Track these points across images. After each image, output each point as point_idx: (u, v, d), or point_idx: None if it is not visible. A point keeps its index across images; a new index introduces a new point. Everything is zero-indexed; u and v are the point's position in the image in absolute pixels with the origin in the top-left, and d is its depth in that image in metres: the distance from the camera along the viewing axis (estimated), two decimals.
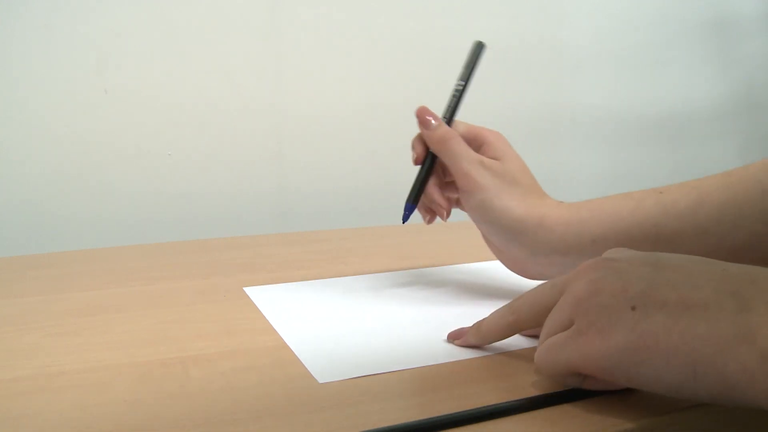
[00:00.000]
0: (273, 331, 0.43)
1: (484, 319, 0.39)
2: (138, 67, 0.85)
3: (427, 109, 0.52)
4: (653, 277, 0.29)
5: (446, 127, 0.51)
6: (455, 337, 0.40)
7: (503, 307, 0.38)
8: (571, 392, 0.32)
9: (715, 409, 0.31)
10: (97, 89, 0.83)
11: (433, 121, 0.51)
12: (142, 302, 0.50)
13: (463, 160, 0.49)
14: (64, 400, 0.32)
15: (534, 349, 0.34)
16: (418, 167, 0.53)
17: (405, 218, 0.52)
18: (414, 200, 0.52)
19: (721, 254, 0.38)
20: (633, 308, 0.29)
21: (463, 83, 0.53)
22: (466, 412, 0.30)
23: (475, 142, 0.51)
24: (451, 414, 0.30)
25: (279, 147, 0.93)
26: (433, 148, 0.51)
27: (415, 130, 0.53)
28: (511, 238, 0.47)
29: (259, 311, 0.48)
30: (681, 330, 0.27)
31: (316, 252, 0.69)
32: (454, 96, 0.54)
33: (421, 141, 0.52)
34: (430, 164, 0.52)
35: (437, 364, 0.37)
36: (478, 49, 0.54)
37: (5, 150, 0.80)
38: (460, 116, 0.54)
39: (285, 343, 0.41)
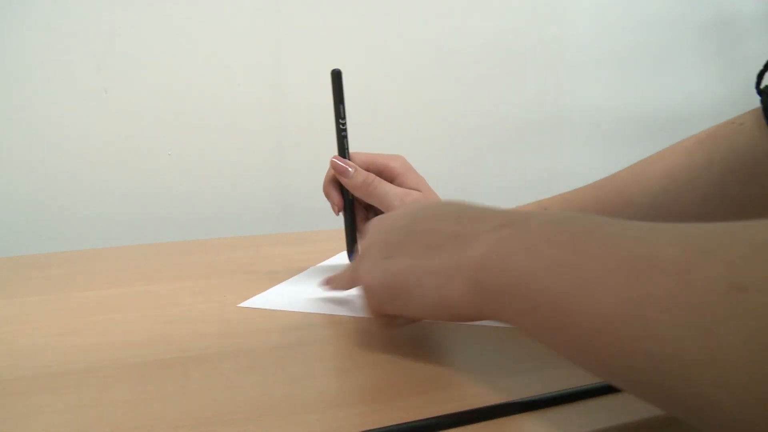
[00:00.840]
0: (273, 331, 0.43)
1: (341, 273, 0.46)
2: (138, 67, 0.85)
3: (339, 157, 0.54)
4: (408, 230, 0.37)
5: (364, 171, 0.53)
6: (326, 283, 0.47)
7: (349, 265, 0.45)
8: (571, 393, 0.32)
9: None
10: (97, 89, 0.84)
11: (350, 169, 0.53)
12: (142, 302, 0.50)
13: (393, 199, 0.52)
14: (64, 400, 0.32)
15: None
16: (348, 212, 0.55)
17: None
18: (353, 249, 0.55)
19: None
20: (388, 257, 0.36)
21: (344, 120, 0.54)
22: (466, 412, 0.30)
23: (385, 174, 0.54)
24: (451, 414, 0.30)
25: (279, 147, 0.93)
26: (357, 194, 0.54)
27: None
28: None
29: (259, 311, 0.48)
30: (419, 268, 0.34)
31: (316, 252, 0.69)
32: (342, 136, 0.54)
33: (335, 188, 0.55)
34: (352, 209, 0.55)
35: (437, 365, 0.37)
36: (338, 78, 0.54)
37: (5, 150, 0.80)
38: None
39: (285, 342, 0.41)
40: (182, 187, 0.89)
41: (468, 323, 0.43)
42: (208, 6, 0.87)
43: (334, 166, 0.54)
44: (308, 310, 0.48)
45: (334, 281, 0.47)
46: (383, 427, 0.29)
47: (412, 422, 0.29)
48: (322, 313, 0.48)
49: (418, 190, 0.53)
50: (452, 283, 0.32)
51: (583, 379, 0.33)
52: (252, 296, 0.52)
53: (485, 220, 0.33)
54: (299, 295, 0.52)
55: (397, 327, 0.40)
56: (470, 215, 0.35)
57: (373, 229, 0.41)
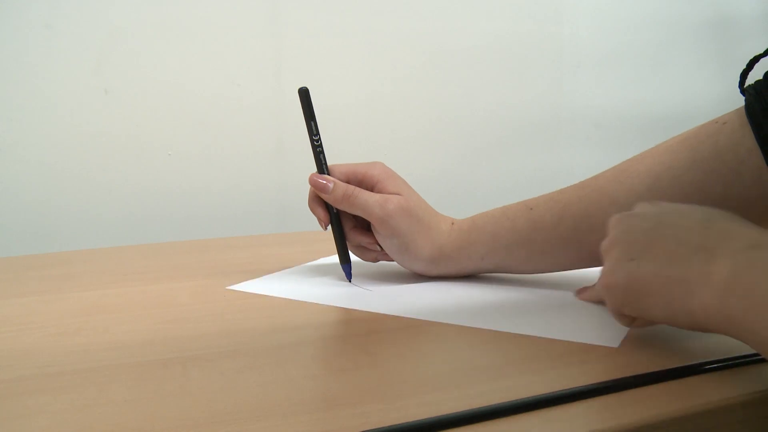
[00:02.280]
0: (273, 331, 0.43)
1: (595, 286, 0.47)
2: (138, 67, 0.85)
3: (316, 174, 0.55)
4: (654, 234, 0.37)
5: (343, 184, 0.54)
6: (580, 292, 0.49)
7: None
8: (571, 392, 0.32)
9: (714, 410, 0.31)
10: (97, 89, 0.84)
11: (329, 184, 0.54)
12: (142, 302, 0.50)
13: (373, 207, 0.53)
14: (64, 400, 0.32)
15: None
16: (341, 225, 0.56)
17: (349, 277, 0.56)
18: (345, 260, 0.56)
19: (584, 259, 0.52)
20: (631, 260, 0.37)
21: (317, 137, 0.55)
22: (466, 412, 0.30)
23: (366, 182, 0.55)
24: (451, 414, 0.30)
25: (279, 147, 0.93)
26: (340, 207, 0.55)
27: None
28: (421, 268, 0.56)
29: (259, 311, 0.48)
30: (663, 277, 0.35)
31: (315, 252, 0.69)
32: (318, 152, 0.55)
33: (320, 204, 0.56)
34: (339, 221, 0.56)
35: (437, 365, 0.37)
36: (305, 95, 0.55)
37: (5, 150, 0.80)
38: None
39: (285, 342, 0.41)
40: (182, 187, 0.89)
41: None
42: (208, 6, 0.87)
43: (313, 183, 0.54)
44: (294, 297, 0.51)
45: (586, 294, 0.49)
46: (383, 427, 0.29)
47: (412, 422, 0.29)
48: (307, 301, 0.50)
49: (398, 194, 0.54)
50: (697, 297, 0.33)
51: (583, 379, 0.33)
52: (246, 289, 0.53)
53: (735, 237, 0.33)
54: (289, 284, 0.55)
55: (637, 327, 0.40)
56: (719, 228, 0.35)
57: (616, 228, 0.40)
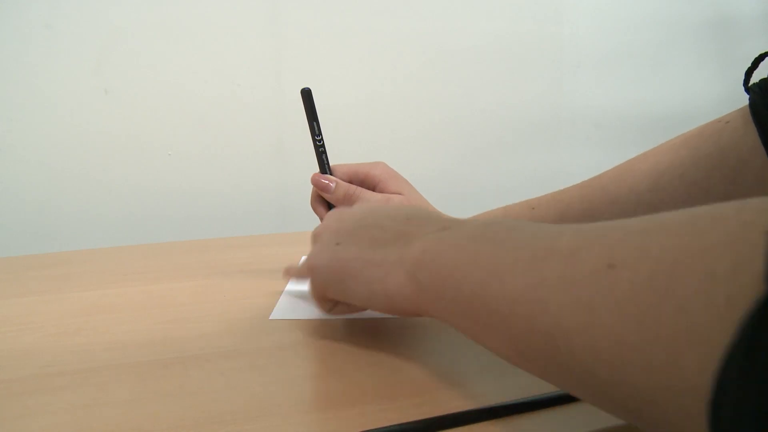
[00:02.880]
0: (273, 331, 0.43)
1: (299, 264, 0.46)
2: (138, 67, 0.85)
3: (319, 174, 0.56)
4: (359, 223, 0.39)
5: (345, 184, 0.55)
6: (286, 272, 0.48)
7: None
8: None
9: None
10: (97, 89, 0.84)
11: (331, 184, 0.55)
12: (142, 302, 0.50)
13: None
14: (64, 400, 0.32)
15: None
16: None
17: None
18: None
19: None
20: (337, 244, 0.39)
21: (319, 137, 0.55)
22: (466, 412, 0.30)
23: (368, 182, 0.56)
24: (451, 414, 0.30)
25: (279, 147, 0.93)
26: (342, 206, 0.54)
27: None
28: None
29: (259, 310, 0.48)
30: (364, 260, 0.36)
31: None
32: (320, 152, 0.56)
33: (322, 204, 0.57)
34: None
35: (437, 365, 0.37)
36: (308, 96, 0.55)
37: (5, 150, 0.80)
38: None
39: (285, 342, 0.41)
40: (182, 187, 0.89)
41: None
42: (208, 6, 0.87)
43: (315, 183, 0.55)
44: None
45: (291, 270, 0.48)
46: (383, 427, 0.29)
47: (412, 422, 0.29)
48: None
49: (399, 194, 0.55)
50: (393, 277, 0.34)
51: None
52: (273, 307, 0.49)
53: (431, 223, 0.35)
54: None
55: (338, 313, 0.42)
56: (419, 218, 0.37)
57: (328, 218, 0.43)
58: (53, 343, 0.41)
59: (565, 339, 0.23)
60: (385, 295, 0.35)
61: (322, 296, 0.40)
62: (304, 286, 0.49)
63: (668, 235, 0.21)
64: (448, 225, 0.34)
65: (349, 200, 0.54)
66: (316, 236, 0.42)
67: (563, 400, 0.32)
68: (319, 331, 0.44)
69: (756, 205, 0.20)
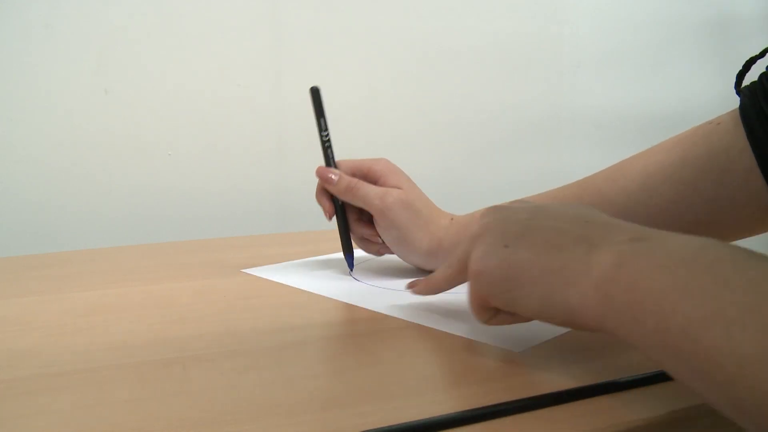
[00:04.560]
0: (273, 331, 0.43)
1: (433, 274, 0.44)
2: (138, 67, 0.85)
3: (324, 167, 0.58)
4: (528, 224, 0.36)
5: (347, 177, 0.57)
6: (411, 286, 0.46)
7: (445, 262, 0.43)
8: (571, 392, 0.32)
9: (714, 410, 0.31)
10: (97, 89, 0.84)
11: (333, 176, 0.57)
12: (142, 302, 0.50)
13: (373, 198, 0.56)
14: (64, 400, 0.32)
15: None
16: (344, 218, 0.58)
17: (351, 266, 0.59)
18: (348, 250, 0.59)
19: None
20: (506, 246, 0.35)
21: (326, 133, 0.58)
22: (466, 412, 0.30)
23: (370, 177, 0.58)
24: (451, 414, 0.30)
25: (279, 147, 0.93)
26: (343, 198, 0.57)
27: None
28: (420, 261, 0.58)
29: (259, 310, 0.48)
30: (540, 265, 0.33)
31: (315, 252, 0.69)
32: (326, 147, 0.58)
33: (325, 196, 0.58)
34: (343, 212, 0.58)
35: (438, 365, 0.37)
36: (317, 94, 0.58)
37: (5, 150, 0.80)
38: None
39: (285, 342, 0.41)
40: (182, 187, 0.89)
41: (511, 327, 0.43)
42: (209, 6, 0.87)
43: (319, 175, 0.57)
44: (299, 287, 0.53)
45: (422, 285, 0.45)
46: (383, 427, 0.29)
47: (412, 422, 0.29)
48: (310, 291, 0.52)
49: (398, 188, 0.56)
50: (577, 287, 0.31)
51: (583, 379, 0.33)
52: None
53: (617, 230, 0.32)
54: (296, 275, 0.58)
55: (496, 324, 0.37)
56: (600, 221, 0.34)
57: (488, 216, 0.38)
58: (53, 343, 0.41)
59: None
60: (565, 308, 0.32)
61: (483, 304, 0.37)
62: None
63: None
64: (640, 236, 0.31)
65: (350, 192, 0.56)
66: (475, 237, 0.37)
67: (563, 399, 0.32)
68: (319, 331, 0.44)
69: None
